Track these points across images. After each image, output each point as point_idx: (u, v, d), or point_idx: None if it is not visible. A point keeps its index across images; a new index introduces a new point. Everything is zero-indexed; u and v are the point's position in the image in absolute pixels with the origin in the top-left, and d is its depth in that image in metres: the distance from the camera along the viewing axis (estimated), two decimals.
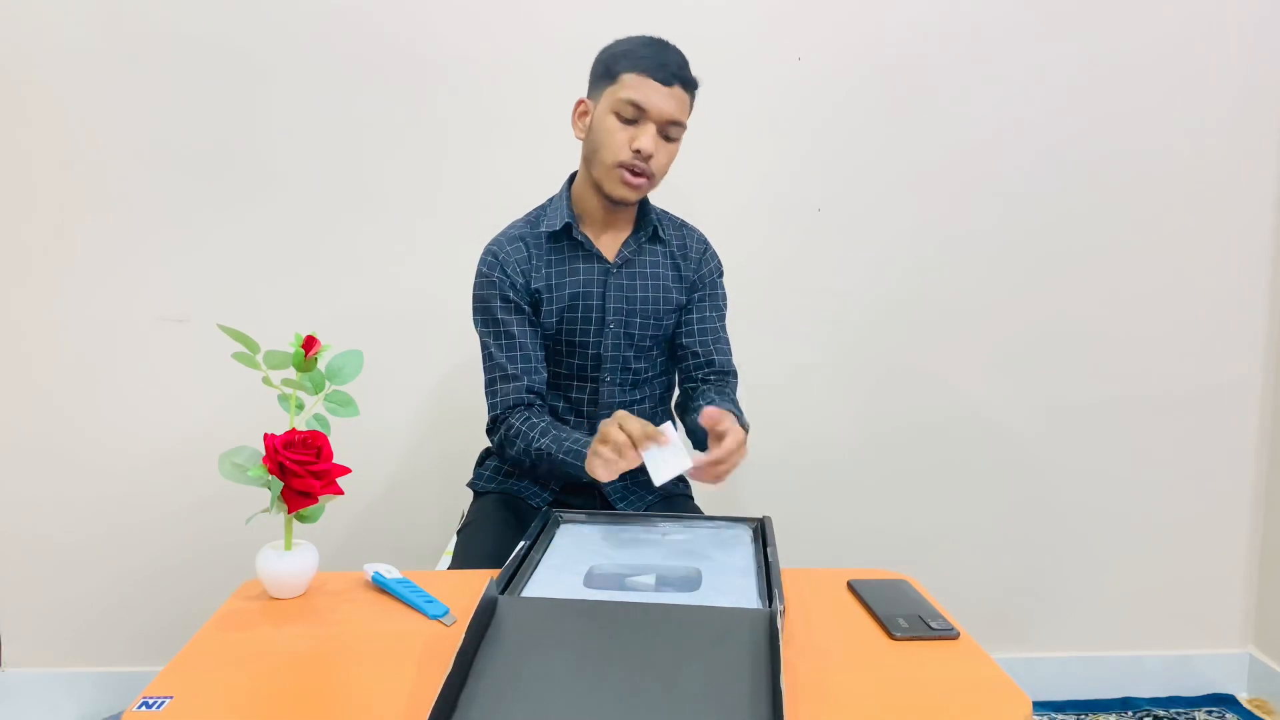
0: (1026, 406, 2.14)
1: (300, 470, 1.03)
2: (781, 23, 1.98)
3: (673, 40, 1.41)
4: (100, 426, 1.98)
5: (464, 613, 0.95)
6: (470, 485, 1.59)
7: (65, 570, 2.01)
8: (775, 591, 1.00)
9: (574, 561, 1.13)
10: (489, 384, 1.45)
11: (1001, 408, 2.14)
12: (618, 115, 1.36)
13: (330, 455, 1.06)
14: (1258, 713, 2.17)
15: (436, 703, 0.76)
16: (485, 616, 0.90)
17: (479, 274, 1.46)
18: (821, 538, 2.07)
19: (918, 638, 0.98)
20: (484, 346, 1.47)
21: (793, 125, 2.02)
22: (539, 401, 1.45)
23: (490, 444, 1.53)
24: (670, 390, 1.60)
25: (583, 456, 1.26)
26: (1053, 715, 2.14)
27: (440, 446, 2.03)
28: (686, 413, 1.49)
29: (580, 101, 1.43)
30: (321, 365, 1.10)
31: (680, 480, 1.62)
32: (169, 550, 2.01)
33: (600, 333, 1.46)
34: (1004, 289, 2.10)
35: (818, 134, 2.03)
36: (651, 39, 1.39)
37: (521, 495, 1.52)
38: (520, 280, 1.44)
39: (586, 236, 1.46)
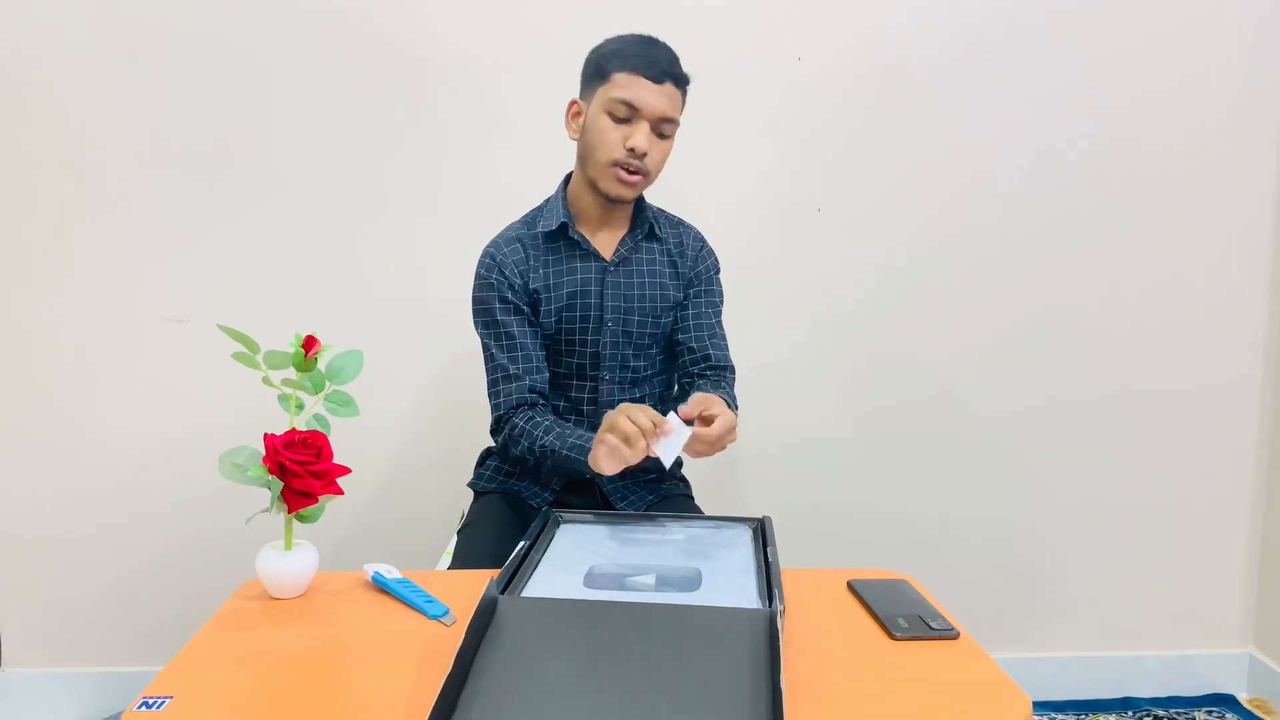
0: (1026, 406, 2.14)
1: (300, 470, 1.03)
2: (782, 23, 1.98)
3: (674, 40, 1.42)
4: (100, 426, 1.98)
5: (464, 613, 0.95)
6: (470, 485, 1.60)
7: (65, 570, 2.01)
8: (775, 591, 1.00)
9: (574, 561, 1.13)
10: (491, 385, 1.45)
11: (1001, 407, 2.14)
12: (611, 115, 1.36)
13: (330, 455, 1.06)
14: (1258, 713, 2.17)
15: (436, 703, 0.76)
16: (485, 616, 0.90)
17: (478, 276, 1.47)
18: (821, 537, 2.07)
19: (918, 638, 0.98)
20: (485, 348, 1.47)
21: (793, 125, 2.02)
22: (542, 401, 1.45)
23: (494, 444, 1.53)
24: (670, 389, 1.60)
25: (586, 451, 1.26)
26: (1053, 715, 2.14)
27: (440, 446, 2.03)
28: None
29: (573, 102, 1.44)
30: (321, 365, 1.10)
31: (680, 480, 1.62)
32: (169, 550, 2.02)
33: (599, 331, 1.47)
34: (1005, 288, 2.10)
35: (817, 133, 2.03)
36: (641, 37, 1.39)
37: (522, 495, 1.52)
38: (518, 281, 1.44)
39: (583, 235, 1.46)
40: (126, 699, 1.71)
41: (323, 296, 1.97)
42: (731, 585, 1.06)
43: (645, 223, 1.50)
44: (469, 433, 1.75)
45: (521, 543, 1.14)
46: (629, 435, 1.16)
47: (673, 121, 1.39)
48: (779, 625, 0.87)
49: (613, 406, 1.37)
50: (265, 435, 1.04)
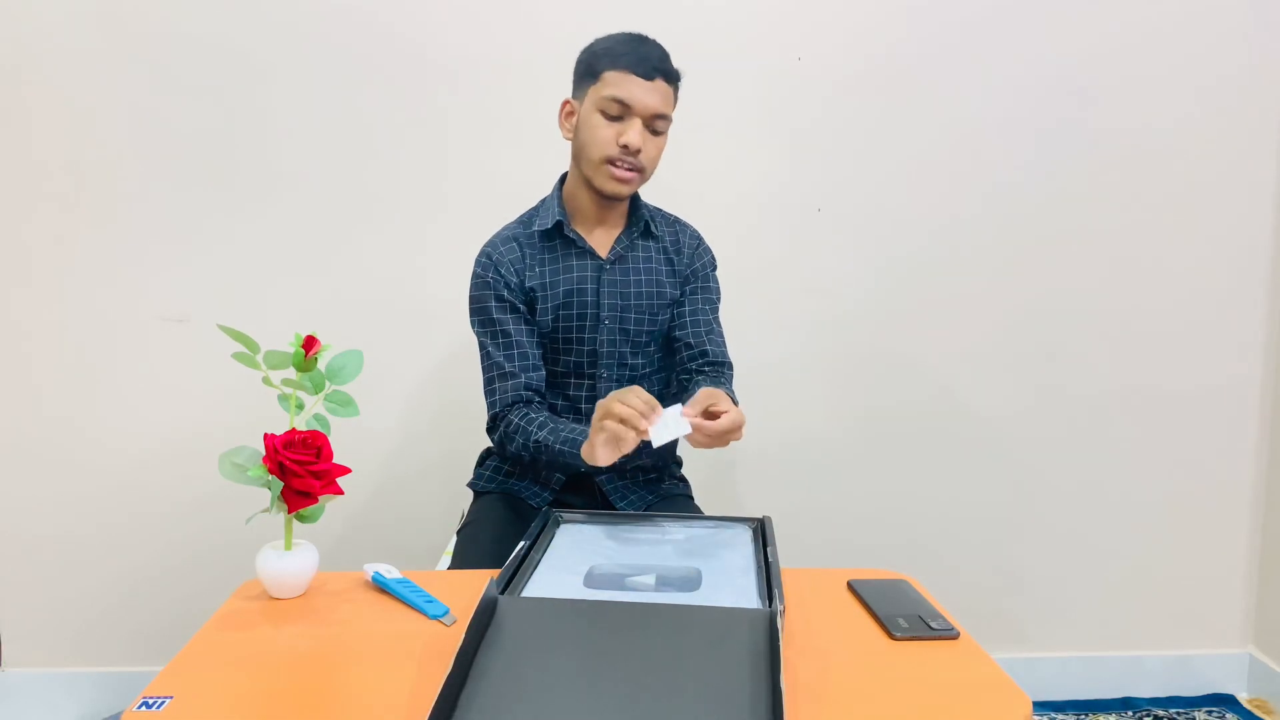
0: (1026, 406, 2.14)
1: (300, 470, 1.03)
2: (781, 23, 1.98)
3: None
4: (100, 426, 1.98)
5: (464, 613, 0.95)
6: (470, 485, 1.60)
7: (65, 570, 2.01)
8: (775, 591, 1.00)
9: (574, 561, 1.13)
10: (487, 383, 1.46)
11: (1001, 407, 2.14)
12: (603, 113, 1.37)
13: (330, 455, 1.06)
14: (1258, 713, 2.17)
15: (436, 703, 0.76)
16: (485, 616, 0.90)
17: (474, 276, 1.48)
18: (821, 537, 2.07)
19: (918, 638, 0.98)
20: (481, 347, 1.48)
21: (792, 125, 2.02)
22: (537, 398, 1.45)
23: (491, 443, 1.53)
24: (668, 386, 1.60)
25: (579, 445, 1.27)
26: (1053, 715, 2.14)
27: (440, 446, 2.03)
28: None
29: (566, 102, 1.45)
30: (321, 365, 1.10)
31: (680, 480, 1.62)
32: (169, 550, 2.02)
33: (595, 329, 1.47)
34: (1004, 288, 2.10)
35: (816, 133, 2.03)
36: (631, 35, 1.40)
37: (521, 495, 1.52)
38: (515, 280, 1.45)
39: (578, 234, 1.47)
40: (126, 699, 1.71)
41: (323, 296, 1.97)
42: (731, 585, 1.06)
43: (641, 221, 1.51)
44: (469, 433, 1.75)
45: (521, 543, 1.14)
46: (626, 417, 1.15)
47: (665, 118, 1.40)
48: (779, 625, 0.87)
49: None
50: (265, 435, 1.04)
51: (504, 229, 1.51)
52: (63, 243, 1.92)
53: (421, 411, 2.04)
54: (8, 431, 1.96)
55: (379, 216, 1.97)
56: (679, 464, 1.64)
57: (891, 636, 0.98)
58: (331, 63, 1.92)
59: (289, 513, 1.06)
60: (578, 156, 1.43)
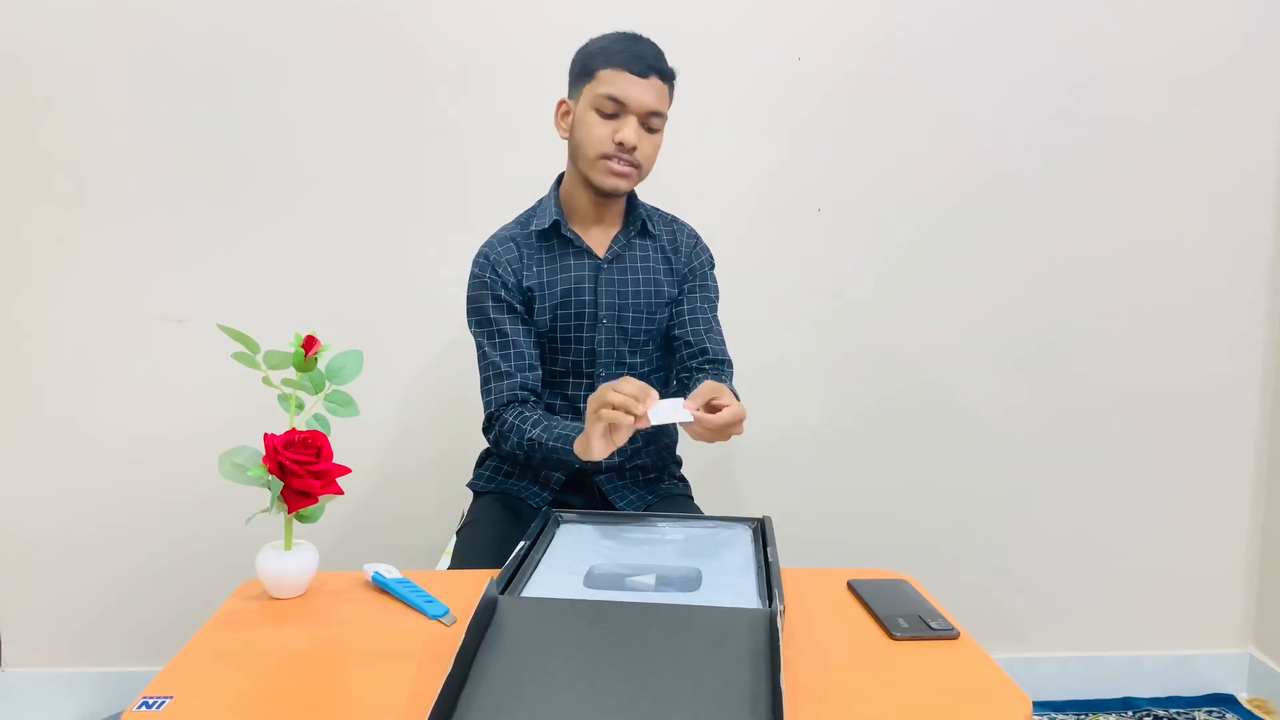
0: (1026, 405, 2.14)
1: (300, 470, 1.03)
2: (781, 22, 1.98)
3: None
4: (100, 426, 1.98)
5: (464, 613, 0.95)
6: (470, 485, 1.60)
7: (65, 570, 2.01)
8: (775, 591, 1.00)
9: (574, 561, 1.13)
10: (484, 383, 1.46)
11: (1001, 406, 2.14)
12: (598, 111, 1.38)
13: (330, 455, 1.06)
14: (1258, 713, 2.17)
15: (436, 703, 0.76)
16: (485, 616, 0.90)
17: (472, 276, 1.48)
18: (821, 537, 2.07)
19: (918, 638, 0.98)
20: (478, 347, 1.48)
21: (792, 124, 2.02)
22: (533, 398, 1.46)
23: (487, 443, 1.53)
24: (667, 385, 1.60)
25: (573, 440, 1.27)
26: (1053, 715, 2.14)
27: (440, 447, 2.03)
28: None
29: (561, 102, 1.46)
30: (321, 365, 1.10)
31: (680, 480, 1.62)
32: (169, 550, 2.02)
33: (593, 328, 1.47)
34: (1004, 287, 2.10)
35: (817, 132, 2.03)
36: (625, 34, 1.41)
37: (521, 495, 1.52)
38: (512, 280, 1.45)
39: (575, 233, 1.47)
40: (126, 699, 1.72)
41: (323, 296, 1.97)
42: (731, 585, 1.06)
43: (638, 220, 1.51)
44: (469, 433, 1.74)
45: (521, 543, 1.14)
46: (621, 404, 1.15)
47: (660, 115, 1.41)
48: (779, 625, 0.87)
49: None
50: (265, 435, 1.04)
51: (501, 229, 1.52)
52: (63, 242, 1.92)
53: (421, 411, 2.04)
54: (8, 431, 1.96)
55: (381, 216, 1.97)
56: (679, 464, 1.64)
57: (891, 636, 0.98)
58: (333, 61, 1.92)
59: (289, 513, 1.06)
60: (574, 155, 1.44)
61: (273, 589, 1.07)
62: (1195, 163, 2.09)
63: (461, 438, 1.81)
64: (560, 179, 1.52)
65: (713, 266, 1.59)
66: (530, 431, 1.36)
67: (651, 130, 1.41)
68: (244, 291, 1.96)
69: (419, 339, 2.01)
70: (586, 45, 1.43)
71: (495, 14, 1.93)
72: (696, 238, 1.58)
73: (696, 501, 1.59)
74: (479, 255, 1.49)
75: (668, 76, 1.41)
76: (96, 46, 1.87)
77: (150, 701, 0.83)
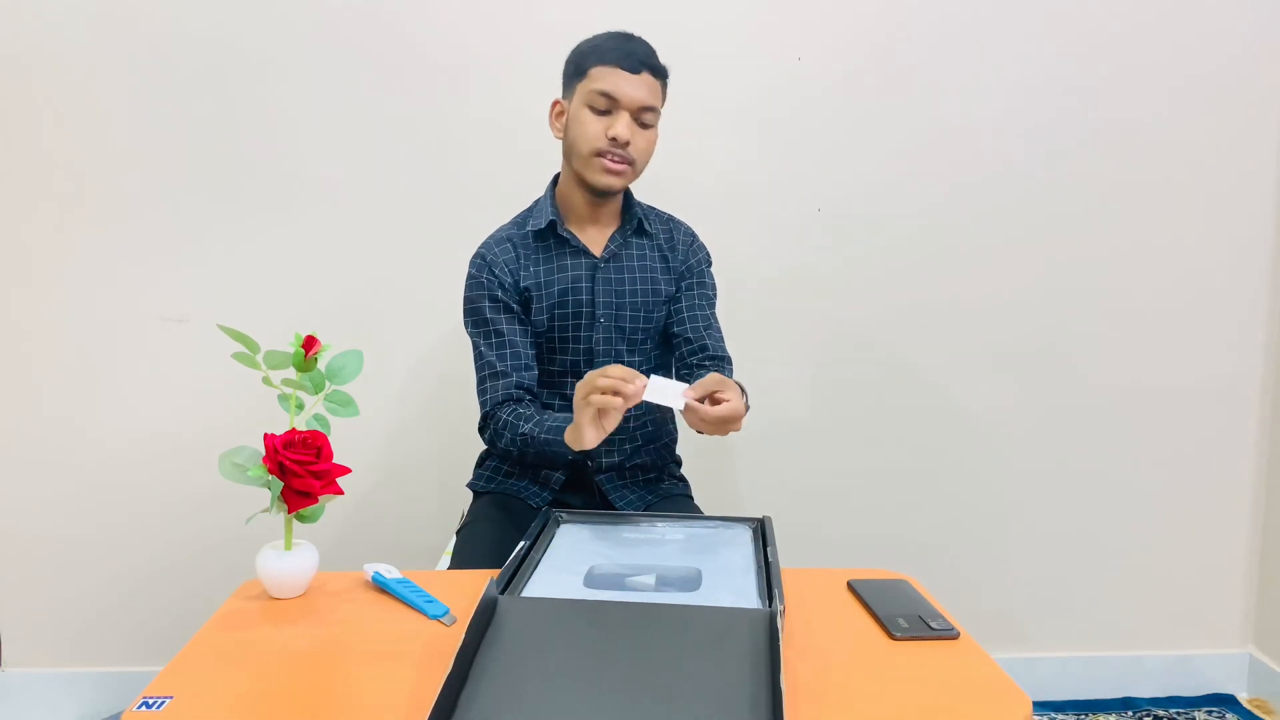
0: (1026, 405, 2.14)
1: (300, 470, 1.03)
2: (781, 22, 1.98)
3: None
4: (100, 426, 1.98)
5: (464, 613, 0.95)
6: (470, 485, 1.60)
7: (65, 570, 2.01)
8: (775, 591, 1.00)
9: (574, 561, 1.13)
10: (480, 383, 1.46)
11: (1001, 406, 2.13)
12: (591, 108, 1.39)
13: (330, 455, 1.06)
14: (1258, 713, 2.17)
15: (436, 703, 0.76)
16: (485, 616, 0.90)
17: (469, 277, 1.49)
18: (821, 537, 2.07)
19: (918, 638, 0.98)
20: (475, 347, 1.48)
21: (792, 124, 2.02)
22: (528, 396, 1.46)
23: (483, 442, 1.53)
24: None
25: (563, 431, 1.27)
26: (1053, 715, 2.14)
27: (440, 447, 2.03)
28: None
29: (556, 102, 1.47)
30: (321, 365, 1.10)
31: (680, 480, 1.62)
32: (169, 550, 2.01)
33: (591, 327, 1.48)
34: (1004, 286, 2.10)
35: (817, 132, 2.03)
36: (617, 33, 1.42)
37: (521, 495, 1.52)
38: (509, 280, 1.45)
39: (571, 233, 1.48)
40: (126, 699, 1.71)
41: (323, 296, 1.97)
42: (731, 585, 1.06)
43: (634, 218, 1.51)
44: (469, 434, 1.74)
45: (521, 543, 1.14)
46: (609, 387, 1.14)
47: (653, 110, 1.41)
48: (779, 625, 0.87)
49: None
50: (265, 435, 1.04)
51: (498, 230, 1.52)
52: (63, 242, 1.92)
53: (422, 412, 2.04)
54: (8, 431, 1.96)
55: (380, 216, 1.97)
56: (679, 464, 1.64)
57: (891, 636, 0.98)
58: (333, 61, 1.92)
59: (289, 513, 1.06)
60: (569, 153, 1.44)
61: (273, 589, 1.07)
62: (1195, 163, 2.09)
63: (461, 438, 1.81)
64: (556, 179, 1.52)
65: (710, 264, 1.59)
66: (523, 427, 1.36)
67: (645, 126, 1.41)
68: (244, 291, 1.96)
69: (419, 339, 2.01)
70: (579, 45, 1.44)
71: (495, 14, 1.93)
72: (693, 236, 1.58)
73: (696, 501, 1.59)
74: (476, 256, 1.49)
75: (660, 73, 1.42)
76: (96, 46, 1.87)
77: (150, 701, 0.83)
